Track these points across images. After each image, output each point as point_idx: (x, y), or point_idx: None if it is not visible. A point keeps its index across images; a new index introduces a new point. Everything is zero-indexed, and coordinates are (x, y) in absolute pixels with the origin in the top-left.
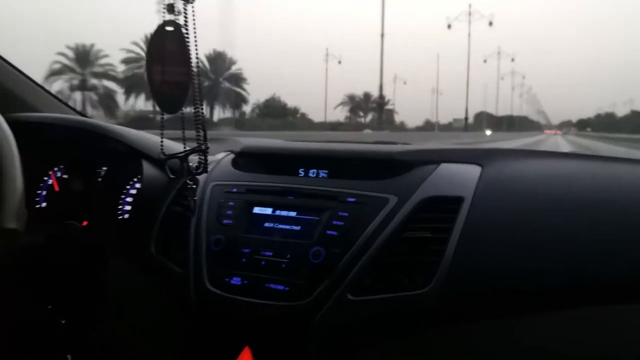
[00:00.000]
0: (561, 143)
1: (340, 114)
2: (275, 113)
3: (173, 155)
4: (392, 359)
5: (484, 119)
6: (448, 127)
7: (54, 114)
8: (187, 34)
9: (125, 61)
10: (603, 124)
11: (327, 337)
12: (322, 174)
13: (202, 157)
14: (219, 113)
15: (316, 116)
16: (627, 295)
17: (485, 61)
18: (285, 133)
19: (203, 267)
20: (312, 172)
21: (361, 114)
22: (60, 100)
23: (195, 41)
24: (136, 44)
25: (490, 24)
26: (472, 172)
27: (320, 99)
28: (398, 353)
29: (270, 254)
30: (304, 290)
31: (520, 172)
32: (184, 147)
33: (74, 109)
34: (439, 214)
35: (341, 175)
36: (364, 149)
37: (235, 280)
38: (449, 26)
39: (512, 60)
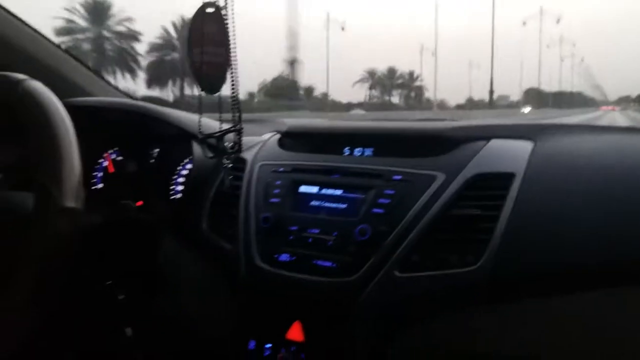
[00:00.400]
0: (619, 120)
1: (359, 93)
2: (288, 93)
3: (210, 135)
4: (439, 337)
5: (533, 95)
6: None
7: (108, 98)
8: (226, 15)
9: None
10: None
11: (374, 314)
12: (368, 152)
13: (237, 137)
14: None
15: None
16: None
17: (524, 23)
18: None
19: (252, 244)
20: (357, 151)
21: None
22: (112, 85)
23: (234, 22)
24: (165, 30)
25: None
26: (523, 147)
27: (334, 76)
28: (445, 331)
29: (317, 231)
30: (351, 266)
31: (574, 147)
32: (220, 127)
33: (126, 93)
34: (489, 191)
35: (387, 154)
36: (410, 127)
37: (284, 257)
38: None
39: (558, 21)
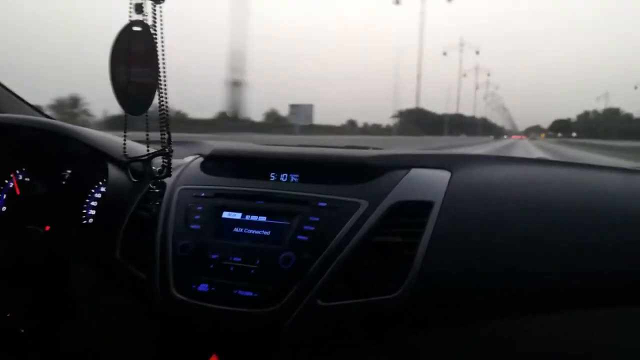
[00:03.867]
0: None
1: None
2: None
3: (136, 158)
4: None
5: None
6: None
7: (14, 114)
8: (155, 34)
9: None
10: (588, 127)
11: (296, 344)
12: (294, 178)
13: (166, 160)
14: None
15: None
16: (597, 300)
17: (445, 54)
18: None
19: (169, 273)
20: (283, 176)
21: None
22: (21, 100)
23: (163, 42)
24: None
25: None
26: (441, 177)
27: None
28: (368, 358)
29: (239, 259)
30: (273, 296)
31: (488, 177)
32: (147, 150)
33: (37, 109)
34: (409, 219)
35: (313, 180)
36: (336, 154)
37: (203, 287)
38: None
39: (477, 53)
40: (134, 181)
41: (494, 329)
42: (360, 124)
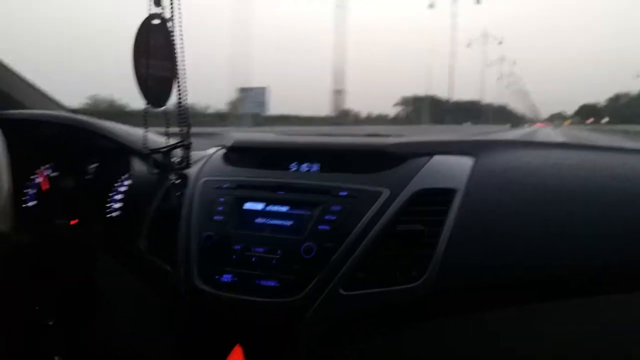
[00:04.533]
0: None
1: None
2: None
3: (156, 150)
4: (386, 353)
5: (426, 106)
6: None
7: (41, 110)
8: (173, 27)
9: None
10: (619, 111)
11: (319, 333)
12: (314, 168)
13: (185, 152)
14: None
15: None
16: (622, 286)
17: (469, 45)
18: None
19: (193, 265)
20: (304, 167)
21: None
22: (47, 96)
23: (181, 35)
24: None
25: (478, 1)
26: (464, 163)
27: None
28: (391, 347)
29: (262, 250)
30: (295, 285)
31: (513, 163)
32: (167, 142)
33: (61, 105)
34: (432, 207)
35: (333, 169)
36: (356, 142)
37: (226, 277)
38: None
39: (500, 43)
40: (155, 172)
41: (516, 316)
42: (364, 113)
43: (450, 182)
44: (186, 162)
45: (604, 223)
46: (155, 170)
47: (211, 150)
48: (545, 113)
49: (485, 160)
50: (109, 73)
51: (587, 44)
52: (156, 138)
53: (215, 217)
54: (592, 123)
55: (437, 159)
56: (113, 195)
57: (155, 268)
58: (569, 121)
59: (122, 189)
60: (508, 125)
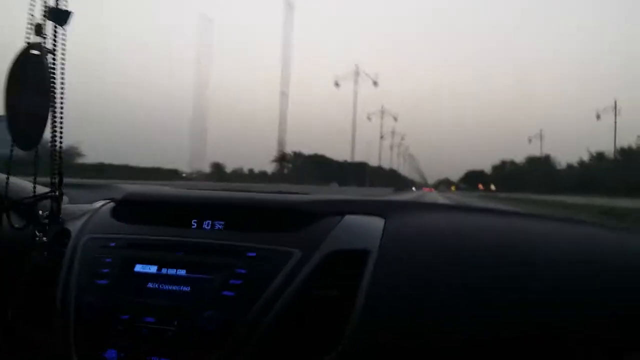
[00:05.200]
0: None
1: None
2: None
3: (19, 201)
4: None
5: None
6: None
7: None
8: (54, 60)
9: None
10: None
11: None
12: (218, 225)
13: (56, 204)
14: None
15: None
16: (540, 352)
17: (369, 118)
18: None
19: (70, 336)
20: (206, 224)
21: None
22: None
23: (62, 69)
24: None
25: (375, 83)
26: (376, 224)
27: None
28: None
29: (154, 320)
30: None
31: (423, 225)
32: (34, 192)
33: None
34: (346, 269)
35: (240, 227)
36: (266, 198)
37: (110, 354)
38: (337, 84)
39: (395, 119)
40: (17, 227)
41: None
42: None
43: (363, 243)
44: (56, 216)
45: (516, 288)
46: (15, 225)
47: (98, 204)
48: (432, 179)
49: (396, 222)
50: None
51: (474, 114)
52: (23, 185)
53: (99, 281)
54: (483, 190)
55: (349, 218)
56: None
57: (25, 339)
58: (454, 187)
59: None
60: (391, 189)
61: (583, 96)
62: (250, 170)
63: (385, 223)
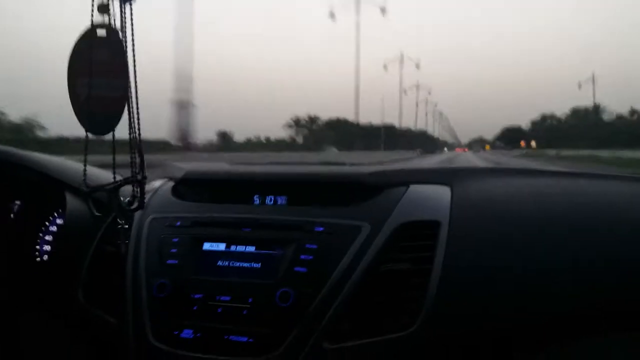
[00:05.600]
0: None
1: None
2: None
3: (99, 187)
4: None
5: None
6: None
7: None
8: (124, 39)
9: None
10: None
11: None
12: (281, 200)
13: (138, 190)
14: None
15: None
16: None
17: (385, 67)
18: None
19: (145, 318)
20: (269, 199)
21: None
22: None
23: (134, 48)
24: None
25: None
26: (442, 193)
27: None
28: None
29: (228, 298)
30: (271, 340)
31: (489, 192)
32: (114, 177)
33: None
34: (418, 241)
35: (303, 202)
36: (327, 172)
37: (186, 333)
38: (332, 15)
39: (417, 67)
40: (98, 215)
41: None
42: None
43: (432, 214)
44: (139, 201)
45: (601, 256)
46: (97, 213)
47: (156, 183)
48: (465, 139)
49: (463, 190)
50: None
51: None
52: (100, 173)
53: (169, 261)
54: (526, 148)
55: (415, 188)
56: (42, 236)
57: (97, 322)
58: (488, 146)
59: (53, 228)
60: (417, 151)
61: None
62: (267, 139)
63: (451, 192)
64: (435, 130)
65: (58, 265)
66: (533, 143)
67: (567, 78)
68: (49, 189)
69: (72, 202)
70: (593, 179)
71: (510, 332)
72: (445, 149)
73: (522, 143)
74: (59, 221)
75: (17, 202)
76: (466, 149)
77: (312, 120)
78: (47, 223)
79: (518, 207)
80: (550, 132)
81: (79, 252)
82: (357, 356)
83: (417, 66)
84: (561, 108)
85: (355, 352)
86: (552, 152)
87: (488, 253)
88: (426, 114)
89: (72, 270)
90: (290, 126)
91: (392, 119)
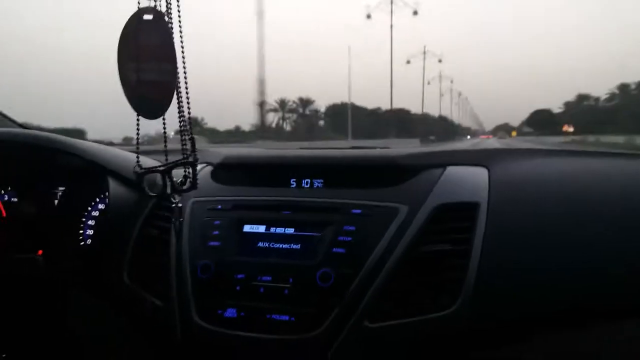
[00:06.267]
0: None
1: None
2: None
3: (152, 169)
4: None
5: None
6: None
7: None
8: (171, 23)
9: None
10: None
11: None
12: (317, 183)
13: (189, 171)
14: None
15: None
16: None
17: (408, 62)
18: None
19: (190, 298)
20: (305, 182)
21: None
22: (2, 115)
23: (181, 32)
24: None
25: (415, 13)
26: (480, 174)
27: None
28: None
29: (269, 278)
30: (313, 319)
31: (526, 172)
32: (166, 159)
33: (14, 121)
34: (456, 223)
35: (339, 185)
36: (362, 155)
37: (230, 312)
38: (369, 16)
39: (440, 61)
40: (151, 196)
41: (563, 343)
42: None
43: (471, 195)
44: (192, 182)
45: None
46: (152, 193)
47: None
48: (489, 125)
49: (500, 171)
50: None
51: (535, 46)
52: (145, 160)
53: (211, 243)
54: (568, 133)
55: (451, 170)
56: (86, 221)
57: (142, 303)
58: (514, 132)
59: (96, 213)
60: (429, 138)
61: None
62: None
63: (489, 173)
64: (458, 116)
65: (103, 249)
66: (568, 128)
67: (600, 56)
68: (91, 174)
69: (114, 186)
70: (629, 159)
71: (550, 313)
72: (468, 136)
73: (565, 127)
74: (101, 206)
75: (61, 188)
76: (490, 136)
77: (305, 102)
78: (89, 208)
79: (557, 187)
80: (592, 113)
81: (123, 235)
82: (398, 335)
83: (440, 60)
84: (597, 89)
85: (396, 331)
86: (591, 138)
87: (528, 235)
88: (451, 102)
89: (116, 254)
90: (274, 110)
91: (415, 108)
